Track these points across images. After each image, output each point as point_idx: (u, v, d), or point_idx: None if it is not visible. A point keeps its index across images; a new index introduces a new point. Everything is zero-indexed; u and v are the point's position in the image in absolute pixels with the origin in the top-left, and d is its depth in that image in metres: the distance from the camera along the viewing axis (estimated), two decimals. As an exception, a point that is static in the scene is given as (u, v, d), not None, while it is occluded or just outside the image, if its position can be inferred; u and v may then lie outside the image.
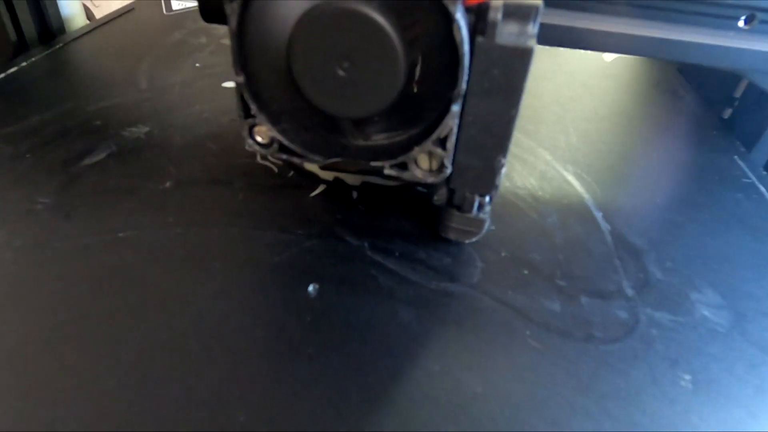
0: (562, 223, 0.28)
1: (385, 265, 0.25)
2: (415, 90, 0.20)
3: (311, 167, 0.31)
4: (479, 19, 0.19)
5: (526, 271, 0.25)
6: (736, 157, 0.35)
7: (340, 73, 0.20)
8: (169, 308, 0.22)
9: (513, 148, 0.34)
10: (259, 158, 0.31)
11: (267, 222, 0.26)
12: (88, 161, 0.30)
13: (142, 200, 0.27)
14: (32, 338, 0.21)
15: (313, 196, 0.29)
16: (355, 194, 0.29)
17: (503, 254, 0.26)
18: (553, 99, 0.41)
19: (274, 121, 0.22)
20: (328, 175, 0.30)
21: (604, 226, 0.28)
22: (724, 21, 0.30)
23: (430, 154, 0.22)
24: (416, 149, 0.21)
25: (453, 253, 0.26)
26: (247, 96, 0.22)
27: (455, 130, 0.21)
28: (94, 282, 0.23)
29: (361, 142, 0.22)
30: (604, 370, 0.21)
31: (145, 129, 0.33)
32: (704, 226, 0.29)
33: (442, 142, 0.21)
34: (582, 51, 0.36)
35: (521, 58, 0.19)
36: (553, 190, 0.31)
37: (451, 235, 0.26)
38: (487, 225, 0.25)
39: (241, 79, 0.21)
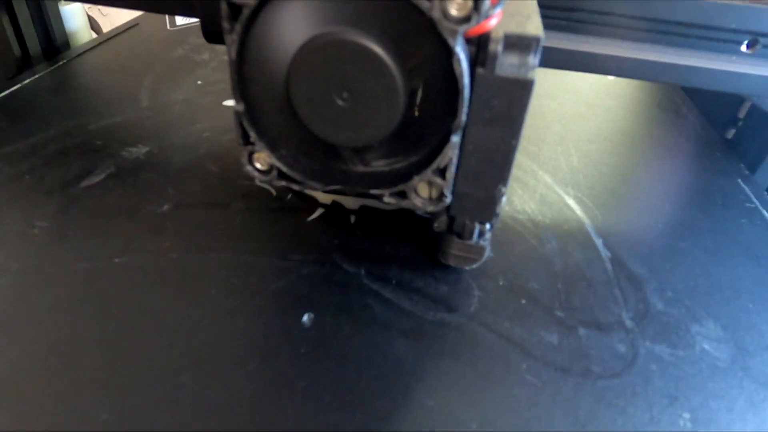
0: (562, 249, 0.28)
1: (382, 294, 0.24)
2: (417, 114, 0.20)
3: (309, 190, 0.30)
4: (480, 50, 0.19)
5: (524, 301, 0.25)
6: (739, 180, 0.35)
7: (340, 102, 0.20)
8: (162, 338, 0.22)
9: (514, 170, 0.33)
10: (257, 180, 0.31)
11: (264, 247, 0.26)
12: (87, 182, 0.30)
13: (139, 223, 0.27)
14: (24, 366, 0.20)
15: (311, 220, 0.28)
16: (353, 218, 0.29)
17: (501, 283, 0.26)
18: (556, 118, 0.41)
19: (273, 148, 0.22)
20: (326, 199, 0.30)
21: (605, 253, 0.28)
22: (726, 45, 0.30)
23: (430, 183, 0.21)
24: (416, 178, 0.21)
25: (450, 281, 0.25)
26: (246, 123, 0.22)
27: (455, 160, 0.21)
28: (88, 309, 0.23)
29: (360, 169, 0.22)
30: (602, 408, 0.20)
31: (145, 149, 0.33)
32: (707, 254, 0.28)
33: (441, 172, 0.21)
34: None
35: (522, 90, 0.19)
36: (554, 215, 0.30)
37: (451, 262, 0.25)
38: (487, 252, 0.25)
39: (240, 107, 0.21)
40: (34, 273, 0.24)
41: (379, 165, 0.22)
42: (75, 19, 0.49)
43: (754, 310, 0.25)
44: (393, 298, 0.24)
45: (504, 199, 0.22)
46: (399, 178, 0.22)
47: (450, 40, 0.18)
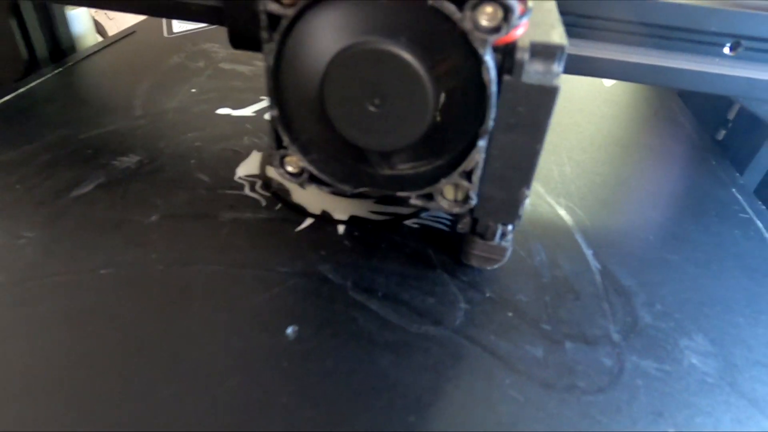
0: (551, 261, 0.28)
1: (368, 307, 0.24)
2: (443, 119, 0.21)
3: (299, 200, 0.30)
4: (506, 57, 0.19)
5: (510, 314, 0.24)
6: (734, 189, 0.35)
7: (372, 109, 0.21)
8: (142, 353, 0.22)
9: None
10: (247, 190, 0.31)
11: (250, 259, 0.26)
12: (76, 192, 0.30)
13: (126, 235, 0.27)
14: (2, 382, 0.20)
15: (299, 231, 0.28)
16: (341, 229, 0.29)
17: (488, 295, 0.25)
18: (551, 126, 0.40)
19: (305, 152, 0.23)
20: (315, 209, 0.30)
21: (594, 265, 0.28)
22: (710, 48, 0.30)
23: (456, 186, 0.22)
24: (443, 181, 0.22)
25: (437, 293, 0.25)
26: (280, 128, 0.23)
27: (481, 164, 0.21)
28: (70, 323, 0.23)
29: (387, 172, 0.23)
30: (586, 425, 0.20)
31: (136, 158, 0.33)
32: (699, 266, 0.28)
33: (467, 175, 0.22)
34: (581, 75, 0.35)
35: (547, 96, 0.19)
36: (544, 226, 0.30)
37: (474, 263, 0.26)
38: (509, 252, 0.25)
39: (275, 112, 0.22)
40: (18, 286, 0.24)
41: (405, 168, 0.23)
42: (80, 23, 0.50)
43: (744, 324, 0.25)
44: (379, 311, 0.24)
45: (527, 201, 0.22)
46: (424, 181, 0.23)
47: (480, 50, 0.19)
